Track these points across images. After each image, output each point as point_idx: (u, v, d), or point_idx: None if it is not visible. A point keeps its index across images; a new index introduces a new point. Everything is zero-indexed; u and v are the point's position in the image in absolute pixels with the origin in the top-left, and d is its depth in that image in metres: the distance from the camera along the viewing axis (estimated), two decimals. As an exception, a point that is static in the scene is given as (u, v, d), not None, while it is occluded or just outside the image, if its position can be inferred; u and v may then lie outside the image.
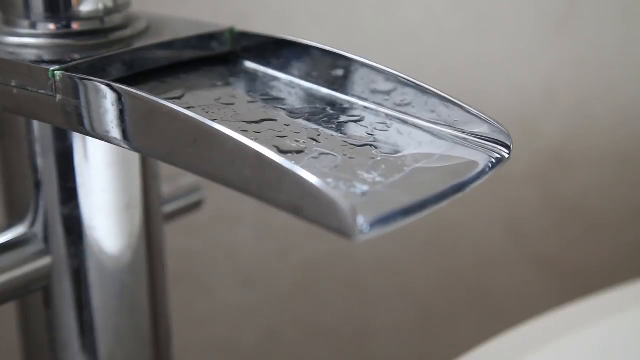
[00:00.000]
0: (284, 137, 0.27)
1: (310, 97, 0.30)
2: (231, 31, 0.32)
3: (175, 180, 0.40)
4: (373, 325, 0.61)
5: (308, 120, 0.28)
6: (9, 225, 0.34)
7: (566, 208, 0.62)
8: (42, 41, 0.31)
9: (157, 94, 0.27)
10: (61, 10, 0.31)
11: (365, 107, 0.30)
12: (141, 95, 0.26)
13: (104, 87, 0.27)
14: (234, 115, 0.28)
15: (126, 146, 0.27)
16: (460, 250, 0.60)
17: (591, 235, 0.62)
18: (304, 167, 0.23)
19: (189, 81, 0.30)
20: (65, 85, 0.28)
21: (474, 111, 0.28)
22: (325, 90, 0.31)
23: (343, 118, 0.29)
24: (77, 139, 0.32)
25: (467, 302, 0.62)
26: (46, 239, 0.33)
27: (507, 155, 0.27)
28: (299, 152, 0.26)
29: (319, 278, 0.58)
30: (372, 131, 0.28)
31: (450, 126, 0.28)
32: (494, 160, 0.27)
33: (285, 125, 0.28)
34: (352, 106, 0.30)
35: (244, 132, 0.27)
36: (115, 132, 0.27)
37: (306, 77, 0.31)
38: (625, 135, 0.61)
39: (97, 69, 0.29)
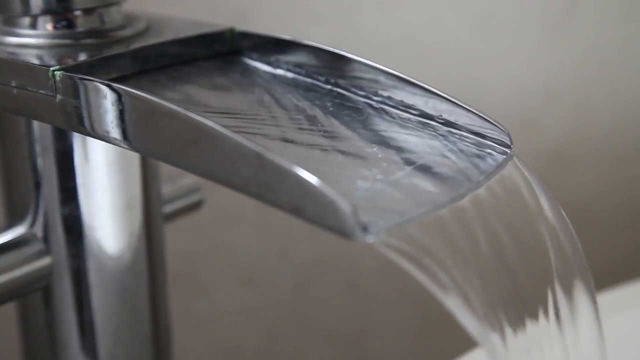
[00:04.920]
0: (284, 136, 0.27)
1: (311, 96, 0.30)
2: (231, 31, 0.32)
3: (175, 180, 0.40)
4: (373, 326, 0.61)
5: (308, 119, 0.28)
6: (9, 225, 0.34)
7: (566, 208, 0.62)
8: (42, 41, 0.31)
9: (157, 94, 0.27)
10: (61, 9, 0.31)
11: (365, 107, 0.30)
12: (141, 95, 0.26)
13: (104, 87, 0.27)
14: (234, 114, 0.28)
15: (126, 146, 0.27)
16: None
17: (591, 235, 0.62)
18: (304, 166, 0.23)
19: (189, 81, 0.30)
20: (65, 85, 0.28)
21: (474, 111, 0.28)
22: (325, 90, 0.31)
23: (343, 118, 0.29)
24: (77, 139, 0.32)
25: (467, 302, 0.62)
26: (46, 239, 0.33)
27: (507, 156, 0.27)
28: (299, 151, 0.26)
29: (319, 278, 0.58)
30: (372, 130, 0.28)
31: (450, 126, 0.28)
32: (494, 161, 0.27)
33: (285, 124, 0.28)
34: (352, 106, 0.30)
35: (244, 131, 0.27)
36: (115, 132, 0.27)
37: (306, 77, 0.31)
38: (626, 136, 0.61)
39: (97, 69, 0.29)
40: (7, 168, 0.34)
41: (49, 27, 0.31)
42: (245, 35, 0.32)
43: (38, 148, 0.32)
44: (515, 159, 0.27)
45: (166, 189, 0.39)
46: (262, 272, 0.56)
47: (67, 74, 0.28)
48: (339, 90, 0.30)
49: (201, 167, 0.25)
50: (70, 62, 0.29)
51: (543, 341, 0.27)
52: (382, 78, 0.30)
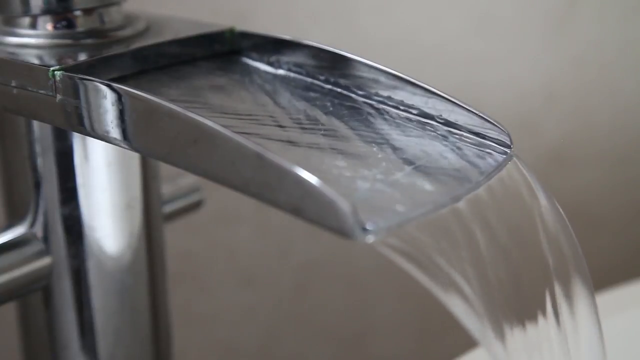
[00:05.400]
0: (284, 136, 0.27)
1: (311, 96, 0.30)
2: (231, 31, 0.32)
3: (175, 180, 0.40)
4: (373, 326, 0.61)
5: (308, 119, 0.28)
6: (9, 225, 0.34)
7: (566, 209, 0.62)
8: (42, 41, 0.31)
9: (157, 94, 0.27)
10: (61, 9, 0.31)
11: (365, 107, 0.30)
12: (141, 95, 0.26)
13: (103, 87, 0.27)
14: (234, 114, 0.28)
15: (126, 146, 0.27)
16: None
17: (591, 235, 0.62)
18: (304, 166, 0.23)
19: (189, 81, 0.30)
20: (65, 85, 0.28)
21: (474, 111, 0.28)
22: (325, 90, 0.31)
23: (343, 117, 0.29)
24: (77, 139, 0.32)
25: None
26: (46, 239, 0.33)
27: (507, 156, 0.27)
28: (299, 151, 0.26)
29: (319, 278, 0.58)
30: (372, 130, 0.28)
31: (450, 126, 0.28)
32: (494, 161, 0.27)
33: (285, 124, 0.28)
34: (352, 106, 0.30)
35: (244, 131, 0.27)
36: (115, 132, 0.27)
37: (306, 77, 0.31)
38: (626, 137, 0.61)
39: (97, 69, 0.29)
40: (7, 168, 0.34)
41: (49, 27, 0.31)
42: (245, 35, 0.32)
43: (38, 148, 0.32)
44: (515, 159, 0.27)
45: (166, 189, 0.39)
46: (262, 272, 0.56)
47: (67, 74, 0.28)
48: (339, 90, 0.30)
49: (201, 167, 0.25)
50: (70, 62, 0.29)
51: (543, 341, 0.27)
52: (382, 78, 0.30)
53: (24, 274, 0.33)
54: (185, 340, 0.55)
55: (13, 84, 0.29)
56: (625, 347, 0.39)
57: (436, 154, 0.27)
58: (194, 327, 0.56)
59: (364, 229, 0.23)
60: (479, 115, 0.28)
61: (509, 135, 0.27)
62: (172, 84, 0.30)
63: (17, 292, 0.33)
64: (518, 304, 0.27)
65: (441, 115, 0.28)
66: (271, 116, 0.29)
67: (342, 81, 0.30)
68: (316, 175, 0.23)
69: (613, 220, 0.63)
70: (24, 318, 0.36)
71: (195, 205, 0.41)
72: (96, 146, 0.32)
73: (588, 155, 0.61)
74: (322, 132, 0.28)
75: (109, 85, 0.27)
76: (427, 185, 0.25)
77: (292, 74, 0.31)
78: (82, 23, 0.31)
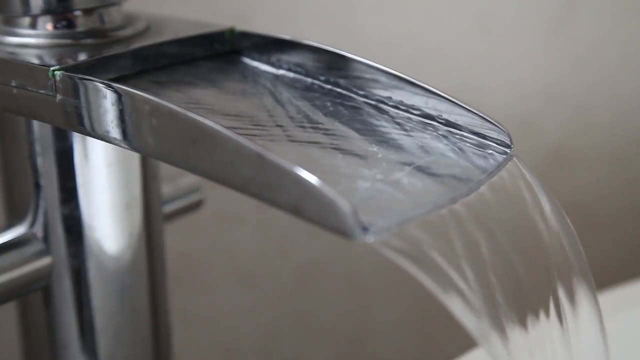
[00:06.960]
0: (284, 136, 0.27)
1: (311, 96, 0.30)
2: (231, 31, 0.32)
3: (175, 180, 0.40)
4: (373, 326, 0.61)
5: (308, 119, 0.28)
6: (9, 225, 0.34)
7: (566, 208, 0.61)
8: (42, 41, 0.31)
9: (157, 94, 0.27)
10: (61, 9, 0.31)
11: (365, 107, 0.30)
12: (141, 95, 0.26)
13: (103, 87, 0.27)
14: (235, 114, 0.28)
15: (126, 146, 0.27)
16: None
17: (591, 234, 0.62)
18: (304, 166, 0.23)
19: (189, 81, 0.30)
20: (65, 85, 0.28)
21: (474, 111, 0.28)
22: (325, 90, 0.31)
23: (343, 117, 0.29)
24: (77, 139, 0.32)
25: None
26: (46, 239, 0.33)
27: (507, 156, 0.27)
28: (299, 151, 0.26)
29: (319, 278, 0.58)
30: (372, 130, 0.28)
31: (450, 126, 0.28)
32: (494, 161, 0.27)
33: (285, 124, 0.28)
34: (352, 106, 0.30)
35: (244, 131, 0.27)
36: (115, 132, 0.27)
37: (306, 77, 0.31)
38: (625, 135, 0.61)
39: (97, 69, 0.29)
40: (7, 168, 0.34)
41: (49, 27, 0.31)
42: (245, 35, 0.32)
43: (38, 148, 0.32)
44: (515, 158, 0.27)
45: (166, 189, 0.39)
46: (262, 272, 0.56)
47: (67, 73, 0.28)
48: (339, 90, 0.30)
49: (201, 167, 0.25)
50: (70, 62, 0.29)
51: (544, 341, 0.27)
52: (382, 78, 0.30)
53: (24, 274, 0.33)
54: (185, 341, 0.55)
55: (13, 83, 0.29)
56: (625, 346, 0.39)
57: (436, 153, 0.27)
58: (193, 328, 0.56)
59: (364, 229, 0.23)
60: (479, 115, 0.28)
61: (509, 135, 0.27)
62: (172, 83, 0.30)
63: (17, 292, 0.33)
64: (519, 304, 0.27)
65: (441, 115, 0.28)
66: (271, 116, 0.29)
67: (342, 81, 0.30)
68: (316, 175, 0.23)
69: (613, 221, 0.63)
70: (24, 318, 0.36)
71: (195, 205, 0.41)
72: (96, 146, 0.32)
73: (588, 156, 0.61)
74: (322, 132, 0.28)
75: (109, 85, 0.27)
76: (427, 185, 0.25)
77: (292, 74, 0.31)
78: (82, 23, 0.31)
